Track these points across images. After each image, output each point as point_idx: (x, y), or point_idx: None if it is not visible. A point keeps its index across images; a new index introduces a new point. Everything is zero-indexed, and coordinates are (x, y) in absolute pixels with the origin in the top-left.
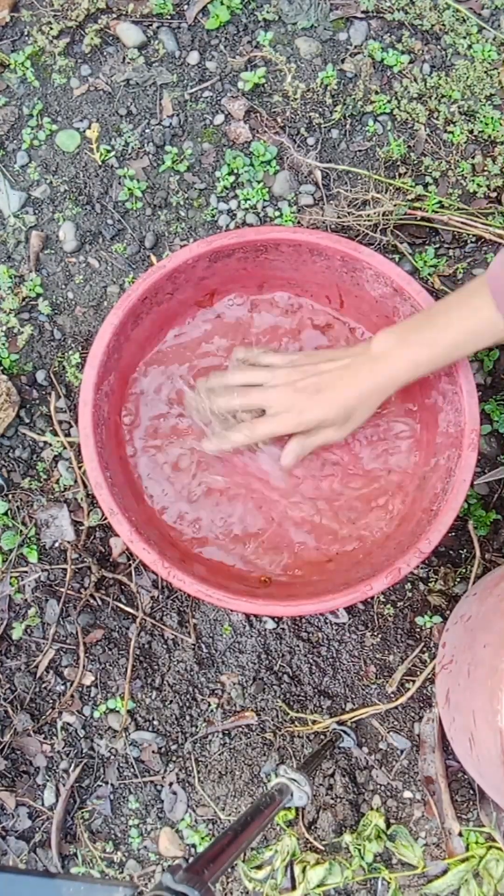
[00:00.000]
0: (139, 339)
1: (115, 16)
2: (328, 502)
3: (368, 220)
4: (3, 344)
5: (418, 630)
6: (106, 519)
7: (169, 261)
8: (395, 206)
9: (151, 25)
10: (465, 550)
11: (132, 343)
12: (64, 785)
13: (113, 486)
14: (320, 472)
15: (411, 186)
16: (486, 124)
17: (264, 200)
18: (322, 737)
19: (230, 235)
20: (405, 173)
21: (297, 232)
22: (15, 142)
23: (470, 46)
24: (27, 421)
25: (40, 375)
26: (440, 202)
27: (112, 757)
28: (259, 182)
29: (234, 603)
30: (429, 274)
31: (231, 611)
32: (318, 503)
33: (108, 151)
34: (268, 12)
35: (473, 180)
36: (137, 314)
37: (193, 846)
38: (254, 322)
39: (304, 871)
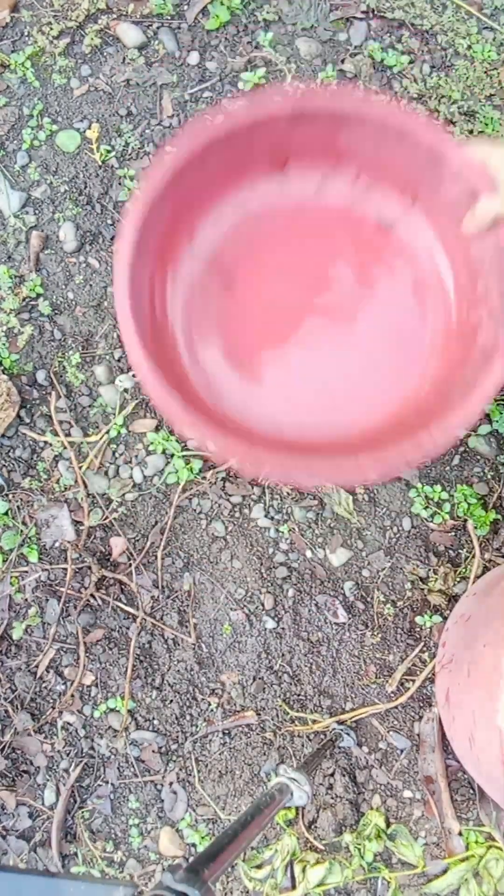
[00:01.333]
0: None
1: (115, 16)
2: (362, 367)
3: None
4: (4, 344)
5: (418, 629)
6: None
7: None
8: None
9: (151, 26)
10: (464, 550)
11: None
12: (64, 784)
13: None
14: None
15: None
16: (486, 124)
17: None
18: (322, 736)
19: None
20: None
21: None
22: (15, 142)
23: (470, 46)
24: (27, 421)
25: (40, 375)
26: None
27: (112, 756)
28: None
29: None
30: None
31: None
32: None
33: (109, 152)
34: (268, 13)
35: None
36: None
37: (193, 845)
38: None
39: (303, 870)
